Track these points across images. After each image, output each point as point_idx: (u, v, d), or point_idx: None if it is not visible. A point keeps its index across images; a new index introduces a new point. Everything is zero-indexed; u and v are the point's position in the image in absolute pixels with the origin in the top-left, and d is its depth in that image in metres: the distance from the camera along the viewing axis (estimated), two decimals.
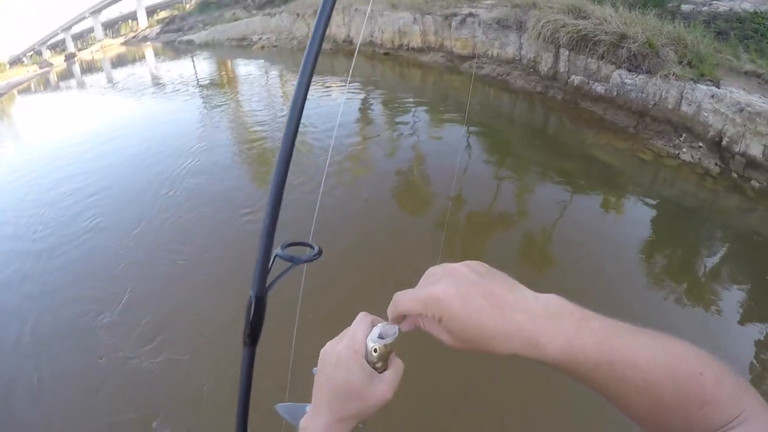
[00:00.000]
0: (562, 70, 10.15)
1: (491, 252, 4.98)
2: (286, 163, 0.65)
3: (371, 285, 4.30)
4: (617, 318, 0.53)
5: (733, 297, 4.42)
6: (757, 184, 6.59)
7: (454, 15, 13.25)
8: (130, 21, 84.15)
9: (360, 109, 10.58)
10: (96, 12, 78.03)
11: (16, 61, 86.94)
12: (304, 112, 0.66)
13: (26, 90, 43.24)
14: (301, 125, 0.65)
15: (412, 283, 0.61)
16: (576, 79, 9.72)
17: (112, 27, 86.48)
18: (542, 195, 6.27)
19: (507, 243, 5.11)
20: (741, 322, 4.13)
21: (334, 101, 10.89)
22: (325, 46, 17.74)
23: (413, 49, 14.90)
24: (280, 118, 9.63)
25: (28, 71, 71.34)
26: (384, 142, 8.24)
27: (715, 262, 5.07)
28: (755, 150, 6.73)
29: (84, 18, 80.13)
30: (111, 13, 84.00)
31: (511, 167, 7.24)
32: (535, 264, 4.83)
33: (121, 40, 70.21)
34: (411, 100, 10.82)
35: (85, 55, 68.83)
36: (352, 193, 6.24)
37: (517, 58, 11.58)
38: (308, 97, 0.65)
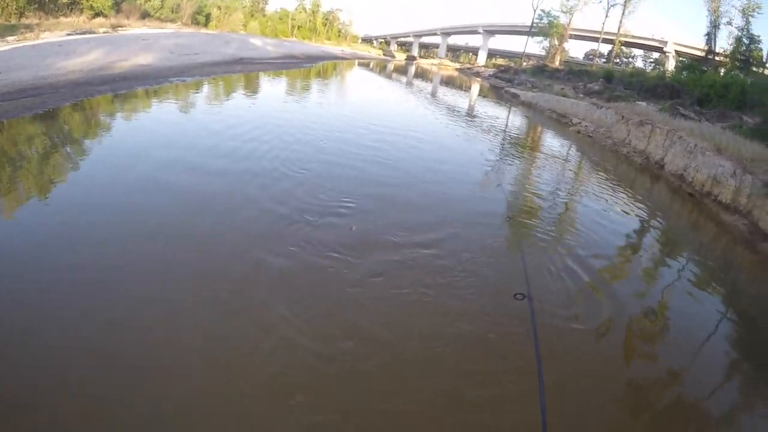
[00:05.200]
0: None
1: None
2: None
3: None
4: None
5: None
6: None
7: None
8: (470, 54, 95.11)
9: (635, 243, 9.58)
10: (446, 34, 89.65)
11: (367, 40, 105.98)
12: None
13: (365, 65, 52.84)
14: None
15: None
16: None
17: (454, 52, 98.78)
18: None
19: None
20: None
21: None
22: (636, 158, 18.36)
23: (720, 202, 14.22)
24: (555, 216, 9.76)
25: (372, 52, 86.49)
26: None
27: None
28: None
29: (434, 34, 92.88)
30: (458, 39, 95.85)
31: None
32: None
33: (457, 65, 79.71)
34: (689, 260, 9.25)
35: (423, 63, 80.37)
36: None
37: None
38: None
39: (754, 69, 31.39)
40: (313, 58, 43.78)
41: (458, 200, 9.16)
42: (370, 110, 18.85)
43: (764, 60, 32.39)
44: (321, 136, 12.07)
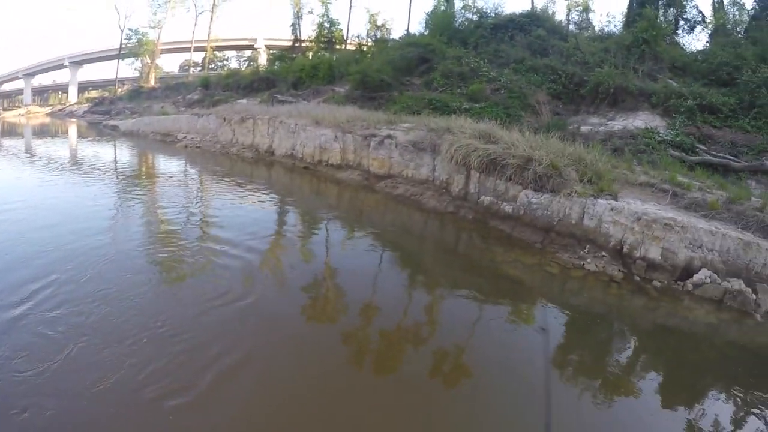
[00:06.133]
0: (472, 191, 10.89)
1: (404, 366, 5.10)
2: None
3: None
4: None
5: (647, 386, 4.87)
6: (659, 283, 7.41)
7: (373, 136, 14.05)
8: (60, 93, 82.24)
9: (276, 219, 10.95)
10: (29, 75, 75.69)
11: None
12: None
13: None
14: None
15: None
16: (486, 200, 10.49)
17: (41, 94, 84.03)
18: (453, 312, 6.40)
19: (419, 358, 5.17)
20: (657, 408, 4.55)
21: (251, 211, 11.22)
22: (247, 154, 18.28)
23: (332, 165, 15.47)
24: (192, 225, 9.86)
25: None
26: (296, 252, 8.48)
27: (626, 358, 5.55)
28: (654, 253, 7.60)
29: (16, 78, 77.46)
30: (44, 79, 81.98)
31: (422, 284, 7.50)
32: (448, 376, 4.96)
33: (48, 110, 67.77)
34: (326, 214, 11.33)
35: (9, 116, 65.54)
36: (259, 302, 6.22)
37: (430, 179, 12.31)
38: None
39: (338, 47, 36.06)
40: None
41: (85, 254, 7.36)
42: None
43: (345, 38, 37.49)
44: None
